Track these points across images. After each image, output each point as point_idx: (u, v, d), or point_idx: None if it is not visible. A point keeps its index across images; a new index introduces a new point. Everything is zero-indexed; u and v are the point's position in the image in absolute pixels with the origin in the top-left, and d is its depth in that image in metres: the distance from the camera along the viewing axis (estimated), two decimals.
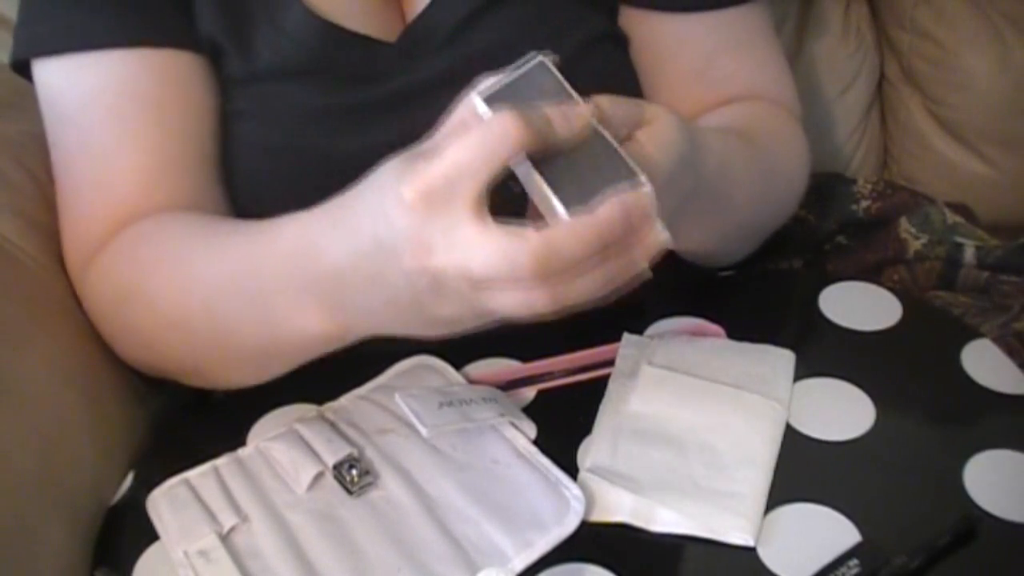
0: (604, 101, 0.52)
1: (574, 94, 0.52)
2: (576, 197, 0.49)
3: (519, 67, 0.52)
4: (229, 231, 0.66)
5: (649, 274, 0.51)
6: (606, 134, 0.51)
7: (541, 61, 0.52)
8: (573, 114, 0.50)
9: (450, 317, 0.53)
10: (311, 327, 0.61)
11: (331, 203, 0.58)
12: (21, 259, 0.73)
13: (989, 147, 1.08)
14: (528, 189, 0.52)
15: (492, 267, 0.48)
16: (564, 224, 0.49)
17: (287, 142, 0.71)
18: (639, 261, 0.50)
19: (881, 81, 1.14)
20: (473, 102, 0.51)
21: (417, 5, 0.74)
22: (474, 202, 0.48)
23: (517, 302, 0.49)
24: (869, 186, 0.97)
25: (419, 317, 0.54)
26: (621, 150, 0.50)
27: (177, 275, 0.67)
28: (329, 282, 0.58)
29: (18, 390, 0.65)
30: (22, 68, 0.73)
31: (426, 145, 0.52)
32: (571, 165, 0.50)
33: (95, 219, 0.71)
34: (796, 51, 1.09)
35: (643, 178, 0.49)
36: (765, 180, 0.74)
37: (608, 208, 0.48)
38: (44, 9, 0.71)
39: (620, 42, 0.78)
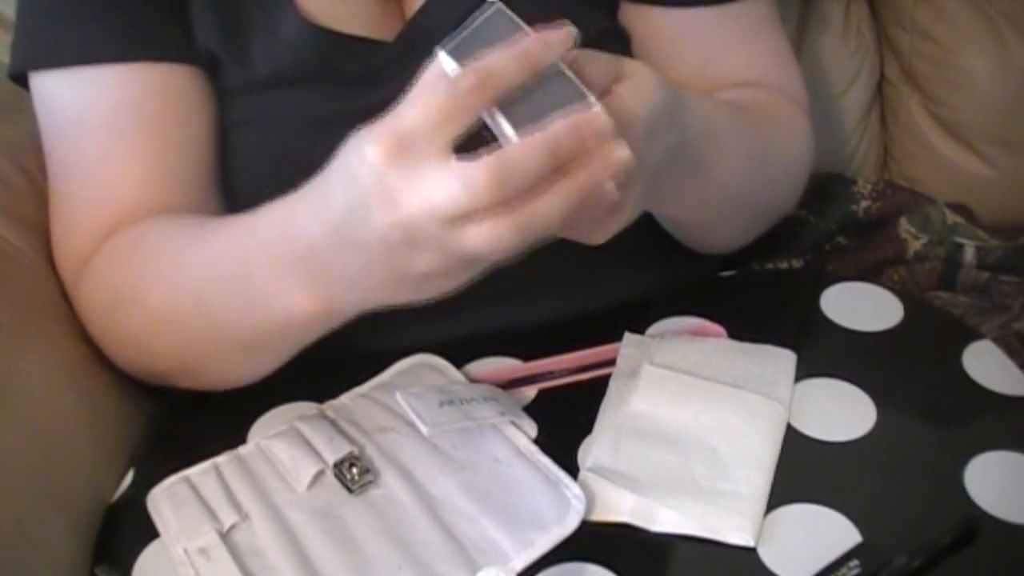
0: (581, 56, 0.53)
1: (531, 33, 0.53)
2: (528, 122, 0.50)
3: (477, 17, 0.53)
4: (213, 226, 0.67)
5: (616, 195, 0.51)
6: (562, 67, 0.52)
7: (498, 8, 0.53)
8: (528, 53, 0.51)
9: (428, 270, 0.53)
10: (297, 308, 0.61)
11: (306, 184, 0.59)
12: (19, 260, 0.73)
13: (989, 147, 1.08)
14: (488, 123, 0.52)
15: (451, 194, 0.49)
16: (515, 141, 0.50)
17: (287, 151, 0.71)
18: (603, 180, 0.50)
19: (881, 81, 1.13)
20: (440, 61, 0.52)
21: (416, 2, 0.73)
22: (442, 152, 0.50)
23: (486, 234, 0.50)
24: (869, 186, 0.97)
25: (399, 277, 0.55)
26: (574, 78, 0.51)
27: (167, 273, 0.67)
28: (308, 259, 0.58)
29: (17, 390, 0.65)
30: (20, 79, 0.74)
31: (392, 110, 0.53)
32: (527, 98, 0.51)
33: (87, 231, 0.72)
34: (796, 51, 1.09)
35: (592, 98, 0.51)
36: (758, 153, 0.73)
37: (556, 124, 0.49)
38: (41, 23, 0.71)
39: (622, 39, 0.77)
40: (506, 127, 0.51)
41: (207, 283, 0.65)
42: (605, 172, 0.50)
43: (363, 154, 0.51)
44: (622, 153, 0.50)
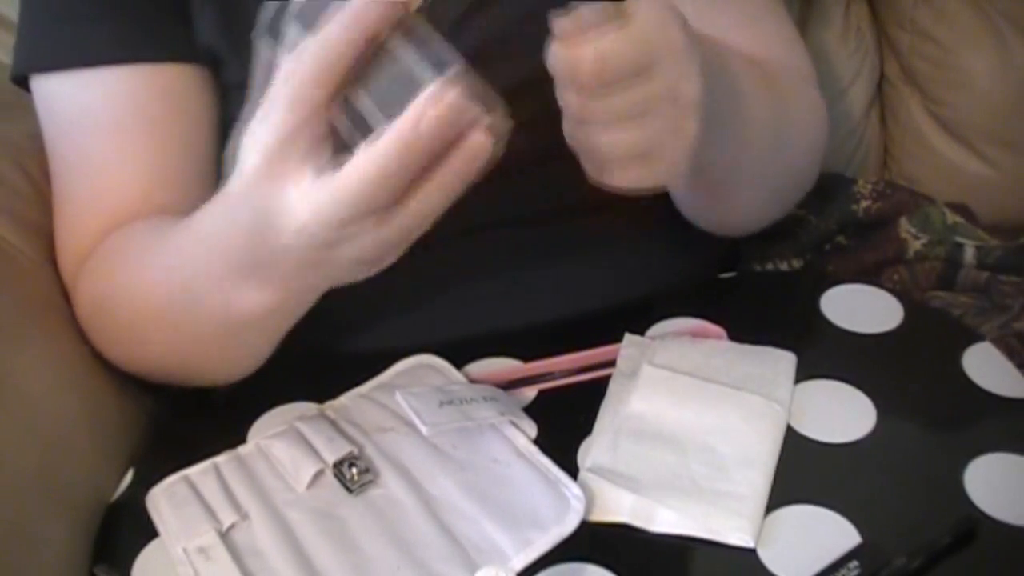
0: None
1: None
2: (377, 114, 0.48)
3: None
4: (171, 232, 0.66)
5: (498, 149, 0.50)
6: (401, 39, 0.49)
7: None
8: (359, 13, 0.49)
9: (358, 256, 0.54)
10: (253, 303, 0.61)
11: (226, 186, 0.58)
12: (19, 260, 0.73)
13: (989, 147, 1.08)
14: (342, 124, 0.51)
15: (327, 206, 0.50)
16: (359, 156, 0.49)
17: None
18: (479, 150, 0.49)
19: (881, 81, 1.13)
20: (261, 41, 0.52)
21: (412, 4, 0.73)
22: (304, 158, 0.50)
23: (368, 245, 0.51)
24: (869, 186, 0.97)
25: (335, 265, 0.55)
26: (431, 35, 0.49)
27: (140, 281, 0.67)
28: (247, 256, 0.58)
29: (17, 389, 0.65)
30: (21, 82, 0.73)
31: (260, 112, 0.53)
32: (377, 81, 0.49)
33: (89, 232, 0.72)
34: None
35: (439, 69, 0.47)
36: (776, 112, 0.72)
37: (398, 123, 0.48)
38: (42, 25, 0.71)
39: None
40: (354, 132, 0.49)
41: (171, 289, 0.65)
42: (471, 152, 0.50)
43: (244, 175, 0.52)
44: (487, 119, 0.49)
